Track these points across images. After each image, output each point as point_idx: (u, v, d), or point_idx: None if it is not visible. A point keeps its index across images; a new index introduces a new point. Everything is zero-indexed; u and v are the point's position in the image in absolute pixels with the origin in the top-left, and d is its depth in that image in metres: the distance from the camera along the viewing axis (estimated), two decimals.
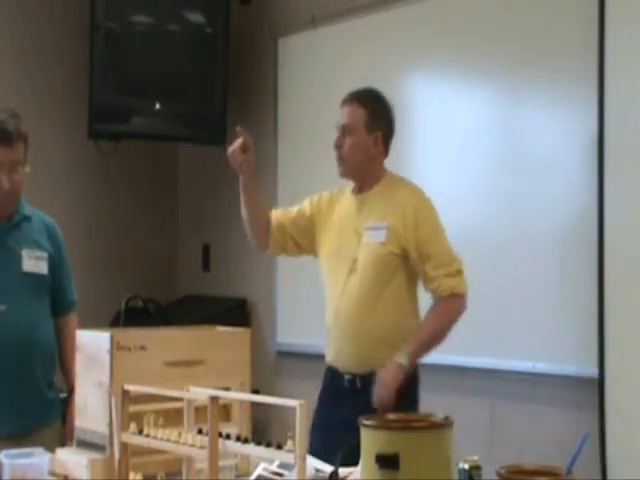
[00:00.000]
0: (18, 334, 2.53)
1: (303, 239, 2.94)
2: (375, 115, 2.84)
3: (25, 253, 2.62)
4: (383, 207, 2.79)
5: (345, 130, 2.82)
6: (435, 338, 2.78)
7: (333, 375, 2.85)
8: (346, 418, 2.40)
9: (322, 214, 2.91)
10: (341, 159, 2.83)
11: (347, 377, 2.78)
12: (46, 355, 2.64)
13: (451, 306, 2.79)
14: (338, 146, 2.83)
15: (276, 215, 2.95)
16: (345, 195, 2.92)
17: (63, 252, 2.76)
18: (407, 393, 2.73)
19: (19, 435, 2.44)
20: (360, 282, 2.76)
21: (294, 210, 2.96)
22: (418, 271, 2.76)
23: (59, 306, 2.73)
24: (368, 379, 2.73)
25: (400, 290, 2.79)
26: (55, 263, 2.70)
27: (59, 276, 2.72)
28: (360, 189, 2.87)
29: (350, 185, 2.91)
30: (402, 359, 2.70)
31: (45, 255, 2.66)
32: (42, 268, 2.64)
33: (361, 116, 2.82)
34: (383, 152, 2.86)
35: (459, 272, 2.78)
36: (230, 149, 2.77)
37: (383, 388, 2.68)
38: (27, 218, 2.68)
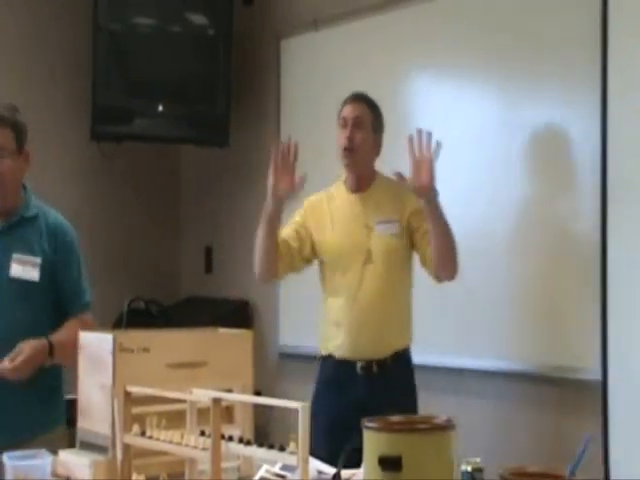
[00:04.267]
0: (1, 342, 2.43)
1: (306, 248, 3.04)
2: (378, 118, 3.06)
3: (15, 258, 2.53)
4: (390, 203, 2.98)
5: (355, 124, 2.97)
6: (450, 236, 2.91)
7: (337, 365, 2.98)
8: (361, 401, 2.86)
9: (312, 217, 3.05)
10: (352, 150, 2.96)
11: (360, 364, 2.93)
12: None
13: None
14: (351, 138, 2.95)
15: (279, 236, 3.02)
16: (338, 195, 3.07)
17: (70, 254, 2.65)
18: (408, 387, 3.01)
19: (13, 446, 2.19)
20: (378, 272, 2.94)
21: (290, 225, 3.06)
22: (420, 253, 2.97)
23: (69, 309, 2.63)
24: (384, 363, 2.94)
25: (408, 277, 3.03)
26: (56, 266, 2.60)
27: (64, 279, 2.62)
28: (358, 187, 3.03)
29: (337, 183, 3.08)
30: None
31: (38, 261, 2.55)
32: (32, 275, 2.54)
33: (369, 115, 3.01)
34: (377, 154, 3.06)
35: None
36: (273, 167, 2.86)
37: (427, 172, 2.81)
38: (28, 219, 2.59)
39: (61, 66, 4.61)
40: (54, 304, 2.62)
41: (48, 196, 2.99)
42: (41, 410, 2.58)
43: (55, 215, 2.69)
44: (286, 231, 3.04)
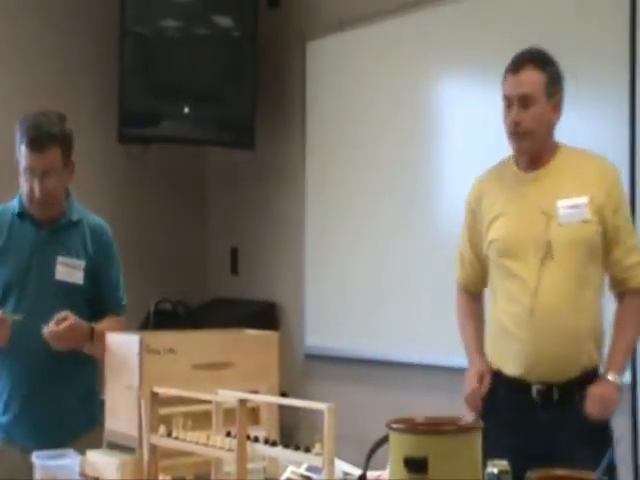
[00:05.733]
0: (41, 344, 2.43)
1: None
2: (553, 77, 2.50)
3: (60, 261, 2.56)
4: (575, 181, 2.45)
5: (522, 101, 2.46)
6: (636, 343, 2.52)
7: (508, 385, 2.47)
8: (539, 437, 2.35)
9: (479, 211, 2.59)
10: (523, 134, 2.48)
11: (537, 387, 2.40)
12: (80, 365, 2.56)
13: None
14: (517, 121, 2.48)
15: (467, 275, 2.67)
16: (506, 175, 2.57)
17: (110, 255, 2.70)
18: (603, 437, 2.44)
19: (57, 448, 2.23)
20: (562, 270, 2.40)
21: (465, 235, 2.66)
22: (606, 256, 2.45)
23: (107, 308, 2.66)
24: (567, 388, 2.40)
25: (600, 276, 2.47)
26: (98, 267, 2.63)
27: (105, 279, 2.66)
28: (532, 164, 2.51)
29: (507, 159, 2.61)
30: (616, 377, 2.40)
31: (82, 264, 2.59)
32: (77, 277, 2.57)
33: (541, 81, 2.46)
34: (558, 118, 2.51)
35: None
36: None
37: (603, 408, 2.40)
38: (73, 223, 2.63)
39: (88, 69, 4.64)
40: (89, 304, 2.64)
41: (77, 198, 3.01)
42: (81, 411, 2.60)
43: (95, 217, 2.74)
44: (468, 250, 2.64)
